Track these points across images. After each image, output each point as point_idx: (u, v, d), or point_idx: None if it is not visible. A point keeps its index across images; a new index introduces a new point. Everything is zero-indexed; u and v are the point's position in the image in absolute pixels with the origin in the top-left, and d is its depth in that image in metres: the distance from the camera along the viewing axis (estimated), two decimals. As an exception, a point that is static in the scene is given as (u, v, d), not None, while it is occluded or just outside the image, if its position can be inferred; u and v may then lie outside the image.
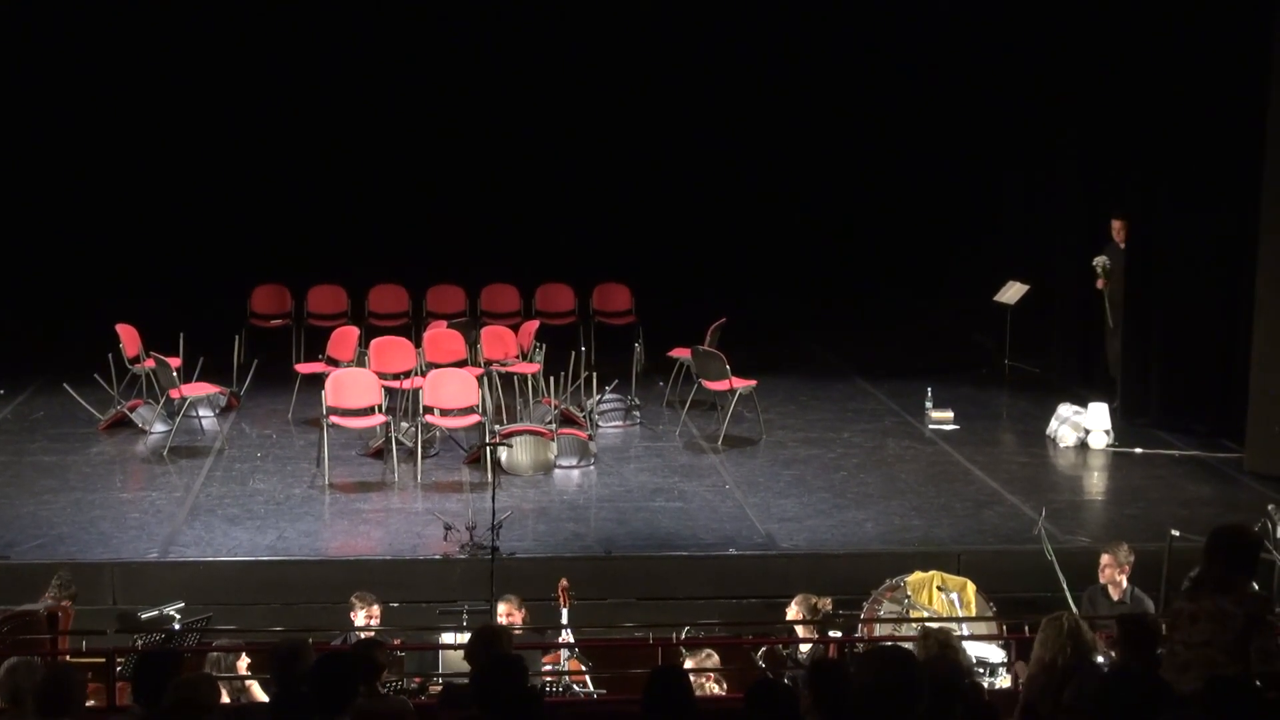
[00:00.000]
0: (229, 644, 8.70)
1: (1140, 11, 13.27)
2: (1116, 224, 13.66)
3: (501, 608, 9.02)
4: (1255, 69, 12.04)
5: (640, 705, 5.63)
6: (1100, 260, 13.74)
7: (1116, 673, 6.37)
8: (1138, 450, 12.85)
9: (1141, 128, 13.47)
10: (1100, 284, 13.75)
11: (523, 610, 9.07)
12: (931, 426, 13.56)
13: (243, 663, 8.45)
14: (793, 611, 8.99)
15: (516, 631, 8.88)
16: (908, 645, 8.20)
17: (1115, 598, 9.16)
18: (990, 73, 15.70)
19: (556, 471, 12.20)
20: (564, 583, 9.14)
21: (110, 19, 15.62)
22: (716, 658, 8.54)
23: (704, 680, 8.46)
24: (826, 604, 9.05)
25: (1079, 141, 15.09)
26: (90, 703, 7.18)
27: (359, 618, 8.95)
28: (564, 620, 9.07)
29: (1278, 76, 11.75)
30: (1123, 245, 13.59)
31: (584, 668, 8.76)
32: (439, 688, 8.07)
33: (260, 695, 8.14)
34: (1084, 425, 13.00)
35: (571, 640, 8.97)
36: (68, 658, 8.15)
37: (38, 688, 5.48)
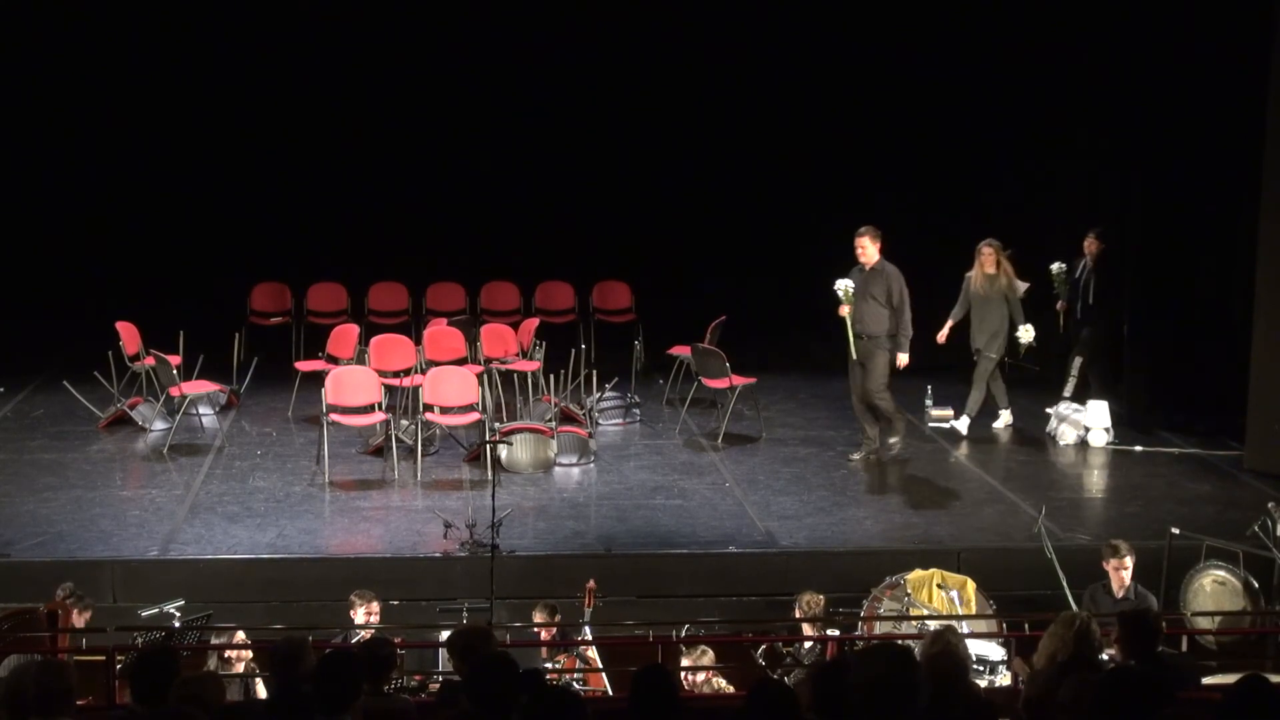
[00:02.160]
0: (228, 641, 8.72)
1: (1141, 10, 13.26)
2: (861, 241, 12.05)
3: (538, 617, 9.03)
4: (1255, 68, 12.04)
5: (627, 703, 5.64)
6: (842, 284, 11.96)
7: (1115, 670, 6.37)
8: (1138, 448, 12.86)
9: (1142, 126, 13.47)
10: (843, 310, 11.95)
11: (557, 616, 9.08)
12: (931, 424, 13.57)
13: (245, 656, 8.47)
14: (797, 610, 9.02)
15: (536, 631, 8.91)
16: (911, 643, 8.25)
17: (1118, 595, 9.16)
18: (991, 70, 15.69)
19: (556, 469, 12.20)
20: (591, 584, 9.13)
21: (111, 17, 15.60)
22: (711, 655, 8.54)
23: (707, 676, 8.47)
24: (818, 600, 9.06)
25: (1080, 140, 15.10)
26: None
27: (359, 615, 8.95)
28: (585, 619, 9.06)
29: (1277, 76, 11.76)
30: (869, 266, 12.01)
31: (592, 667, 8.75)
32: (438, 685, 8.07)
33: (260, 692, 8.14)
34: (1084, 423, 13.01)
35: (589, 638, 8.96)
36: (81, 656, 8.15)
37: (31, 688, 5.46)
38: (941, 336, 13.20)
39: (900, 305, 12.04)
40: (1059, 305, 13.87)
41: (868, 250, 12.07)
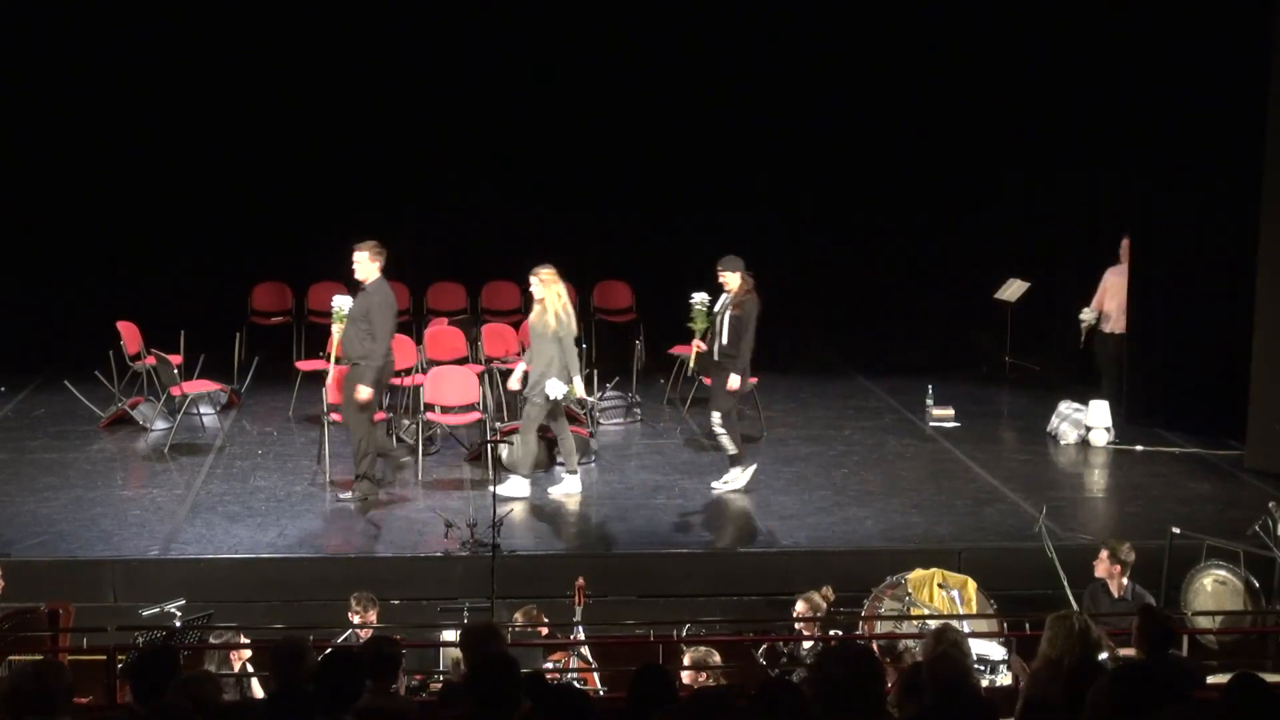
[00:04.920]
0: (228, 641, 8.72)
1: (1142, 10, 13.26)
2: (357, 257, 11.14)
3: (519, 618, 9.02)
4: (1256, 69, 12.04)
5: (625, 702, 5.65)
6: (339, 301, 11.33)
7: (1126, 667, 6.37)
8: (1138, 447, 12.85)
9: (1143, 126, 13.47)
10: (335, 329, 11.32)
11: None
12: (932, 424, 13.56)
13: (243, 656, 8.47)
14: (799, 609, 8.98)
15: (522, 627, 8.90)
16: (913, 643, 8.25)
17: (1115, 595, 9.17)
18: (992, 69, 15.69)
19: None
20: (580, 582, 9.13)
21: (111, 15, 15.60)
22: (717, 656, 8.53)
23: (717, 679, 8.45)
24: (828, 594, 9.04)
25: (1080, 139, 15.09)
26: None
27: (354, 619, 8.94)
28: (577, 618, 9.05)
29: (1278, 77, 11.76)
30: (365, 284, 11.15)
31: (589, 665, 8.75)
32: (439, 685, 8.06)
33: (258, 692, 8.14)
34: (1085, 422, 13.01)
35: (583, 638, 8.95)
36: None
37: (29, 689, 5.46)
38: (513, 381, 11.69)
39: (373, 330, 10.94)
40: (694, 342, 11.98)
41: (364, 267, 11.06)
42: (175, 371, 12.94)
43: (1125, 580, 9.21)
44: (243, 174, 16.15)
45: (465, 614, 9.12)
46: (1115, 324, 13.56)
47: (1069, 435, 13.05)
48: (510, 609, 9.24)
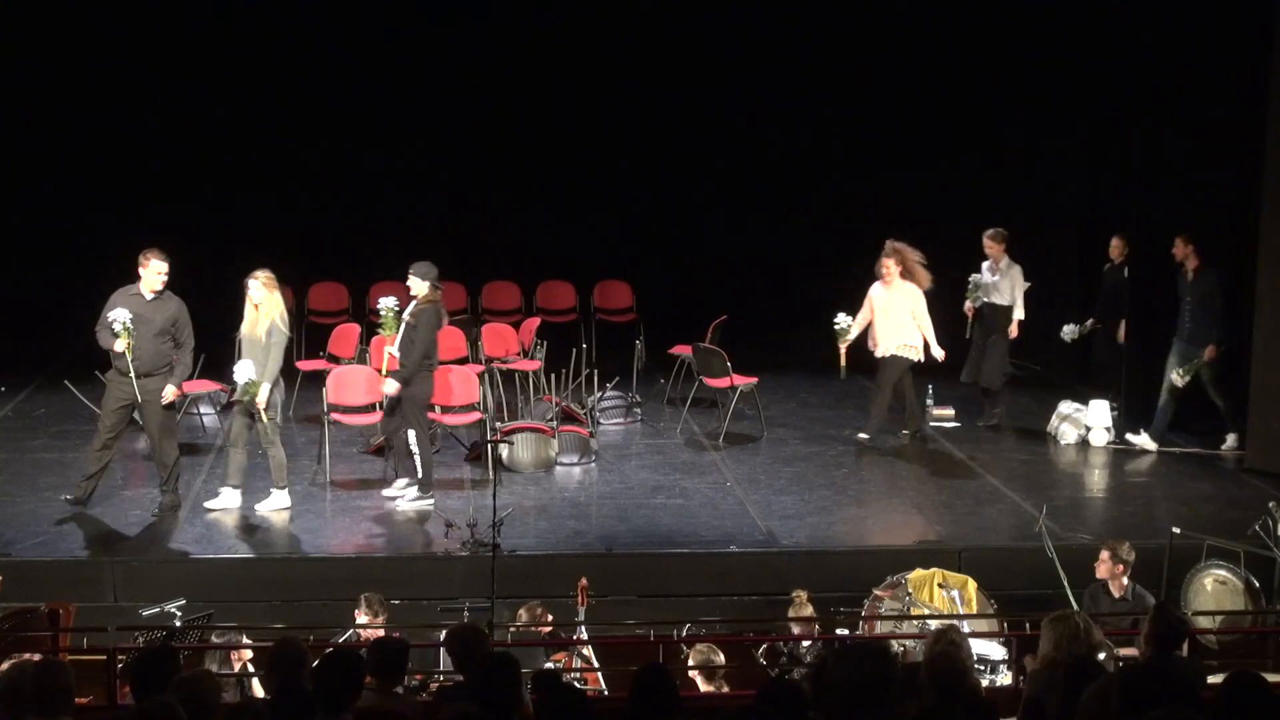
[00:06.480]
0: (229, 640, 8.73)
1: (1142, 10, 13.25)
2: (159, 267, 10.62)
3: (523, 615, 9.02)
4: (1257, 67, 12.04)
5: (626, 702, 5.65)
6: (120, 315, 10.54)
7: (1135, 668, 6.37)
8: (1139, 447, 12.84)
9: (1142, 125, 13.46)
10: (118, 345, 10.56)
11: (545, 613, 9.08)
12: (932, 424, 13.56)
13: (245, 657, 8.47)
14: (791, 613, 9.01)
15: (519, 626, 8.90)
16: (913, 642, 8.26)
17: (1116, 595, 9.17)
18: (991, 68, 15.69)
19: (558, 469, 12.20)
20: (583, 582, 9.13)
21: (111, 15, 15.61)
22: (721, 655, 8.53)
23: (720, 676, 8.46)
24: (801, 596, 9.03)
25: (1080, 139, 15.09)
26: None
27: (360, 617, 8.93)
28: (580, 618, 9.06)
29: (1278, 77, 11.76)
30: (153, 293, 10.69)
31: (592, 666, 8.75)
32: (439, 685, 8.06)
33: (258, 692, 8.14)
34: (1085, 422, 13.01)
35: (586, 638, 8.95)
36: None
37: (30, 688, 5.46)
38: (260, 400, 10.89)
39: (181, 338, 10.73)
40: (386, 349, 11.48)
41: (163, 279, 10.65)
42: (175, 371, 12.91)
43: (1126, 580, 9.22)
44: (242, 174, 16.15)
45: (465, 614, 9.12)
46: (884, 347, 12.75)
47: (1069, 435, 13.05)
48: (511, 609, 9.25)
